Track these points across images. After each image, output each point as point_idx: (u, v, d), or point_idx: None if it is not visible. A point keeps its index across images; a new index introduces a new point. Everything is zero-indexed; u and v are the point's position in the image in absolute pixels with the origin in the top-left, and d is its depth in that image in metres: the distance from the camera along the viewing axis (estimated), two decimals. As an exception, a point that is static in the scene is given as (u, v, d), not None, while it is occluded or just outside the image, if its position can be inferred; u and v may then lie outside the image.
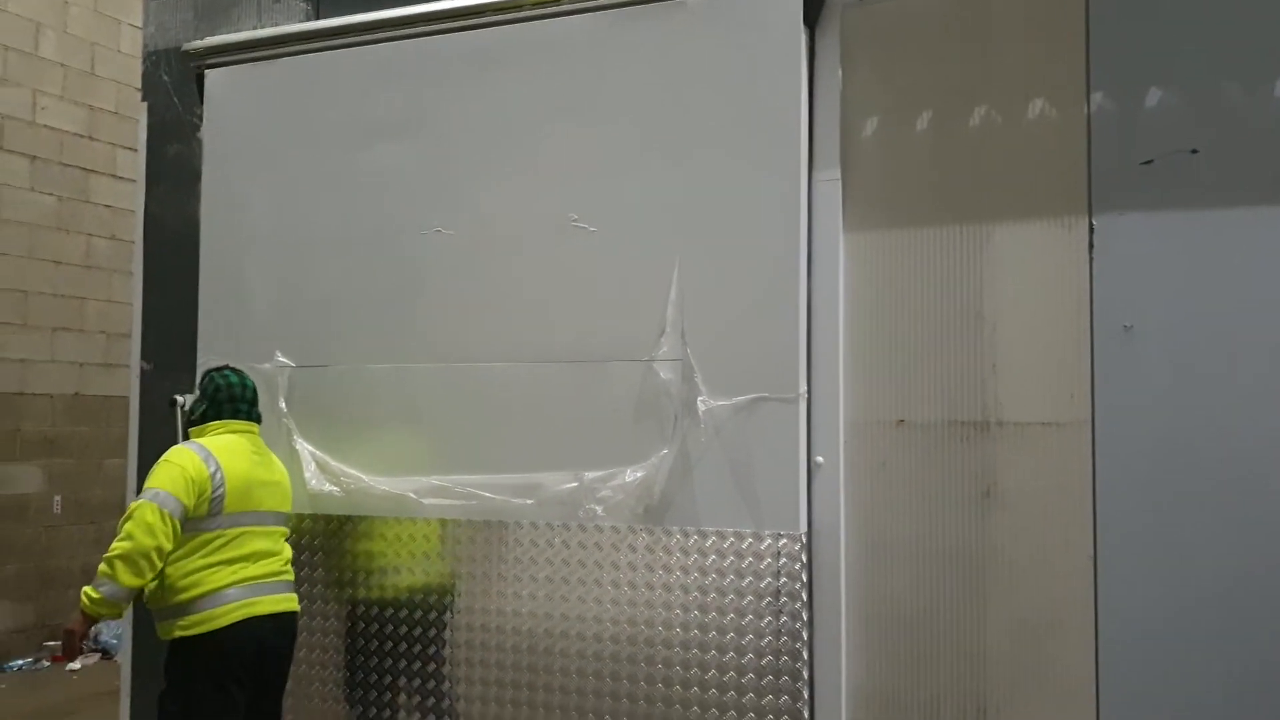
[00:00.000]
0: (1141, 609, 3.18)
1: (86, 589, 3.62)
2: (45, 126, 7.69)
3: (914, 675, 3.42)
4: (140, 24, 8.46)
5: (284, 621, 3.79)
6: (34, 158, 7.62)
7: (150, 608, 3.74)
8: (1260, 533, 3.06)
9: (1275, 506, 3.06)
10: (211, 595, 3.62)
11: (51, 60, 7.71)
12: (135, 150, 8.35)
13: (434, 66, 4.02)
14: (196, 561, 3.63)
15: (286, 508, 3.90)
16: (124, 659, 4.55)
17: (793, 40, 3.54)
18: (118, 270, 8.19)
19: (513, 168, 3.90)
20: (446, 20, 3.99)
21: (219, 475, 3.65)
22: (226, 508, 3.67)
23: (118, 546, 3.58)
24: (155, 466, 3.69)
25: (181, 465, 3.63)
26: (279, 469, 3.91)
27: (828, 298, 3.52)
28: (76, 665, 7.48)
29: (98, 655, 8.17)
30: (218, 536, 3.66)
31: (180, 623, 3.63)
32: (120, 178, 8.15)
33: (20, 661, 7.69)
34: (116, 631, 8.31)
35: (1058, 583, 3.27)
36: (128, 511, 3.66)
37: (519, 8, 3.89)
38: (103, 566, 3.59)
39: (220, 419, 3.83)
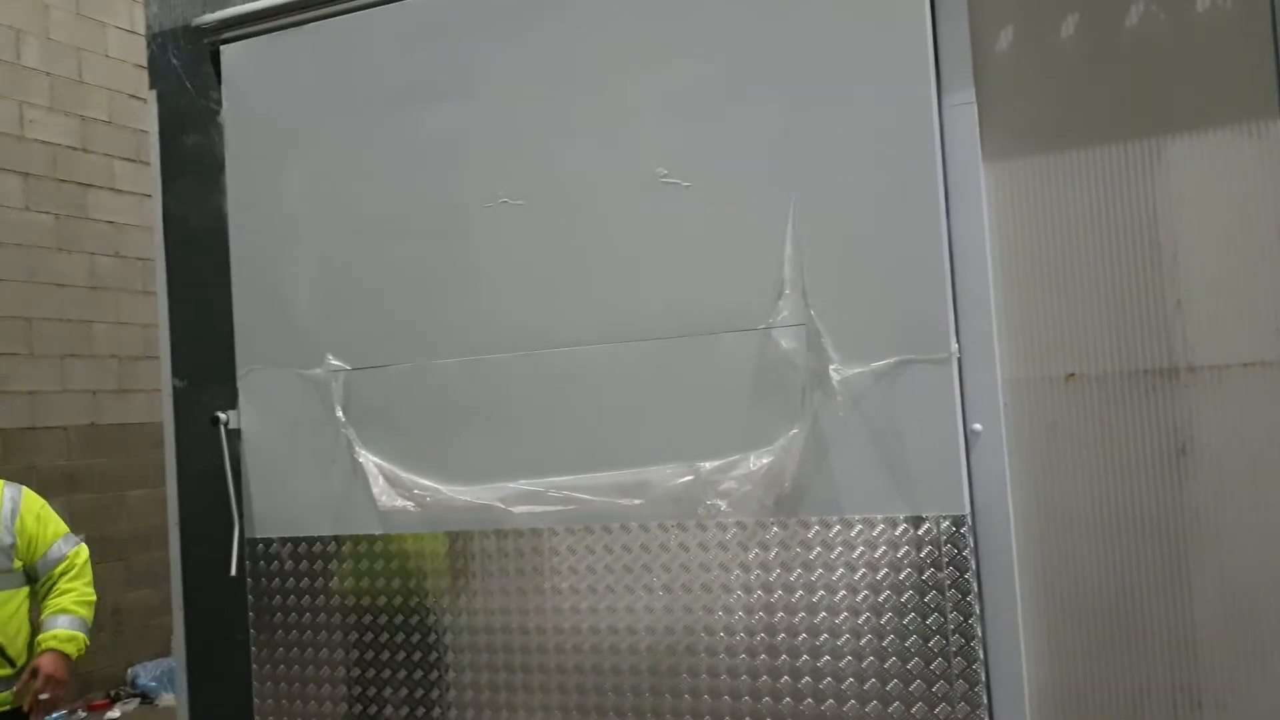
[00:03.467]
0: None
1: (78, 636, 3.89)
2: (36, 140, 7.18)
3: (1110, 666, 2.95)
4: (126, 26, 8.00)
5: None
6: (26, 174, 7.12)
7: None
8: None
9: None
10: None
11: (36, 69, 7.21)
12: (133, 161, 7.90)
13: (484, 14, 3.53)
14: None
15: None
16: (181, 705, 4.09)
17: (910, -56, 3.05)
18: (125, 289, 7.72)
19: (586, 123, 3.41)
20: (497, -41, 3.51)
21: None
22: None
23: (92, 595, 4.01)
24: (45, 510, 3.99)
25: None
26: None
27: (972, 239, 3.04)
28: (116, 713, 7.04)
29: (136, 700, 7.72)
30: None
31: None
32: (120, 191, 7.66)
33: (56, 715, 7.22)
34: (156, 674, 7.86)
35: (1277, 548, 2.81)
36: (85, 559, 4.03)
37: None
38: (87, 613, 3.97)
39: None
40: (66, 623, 3.87)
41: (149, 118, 4.23)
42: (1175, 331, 2.90)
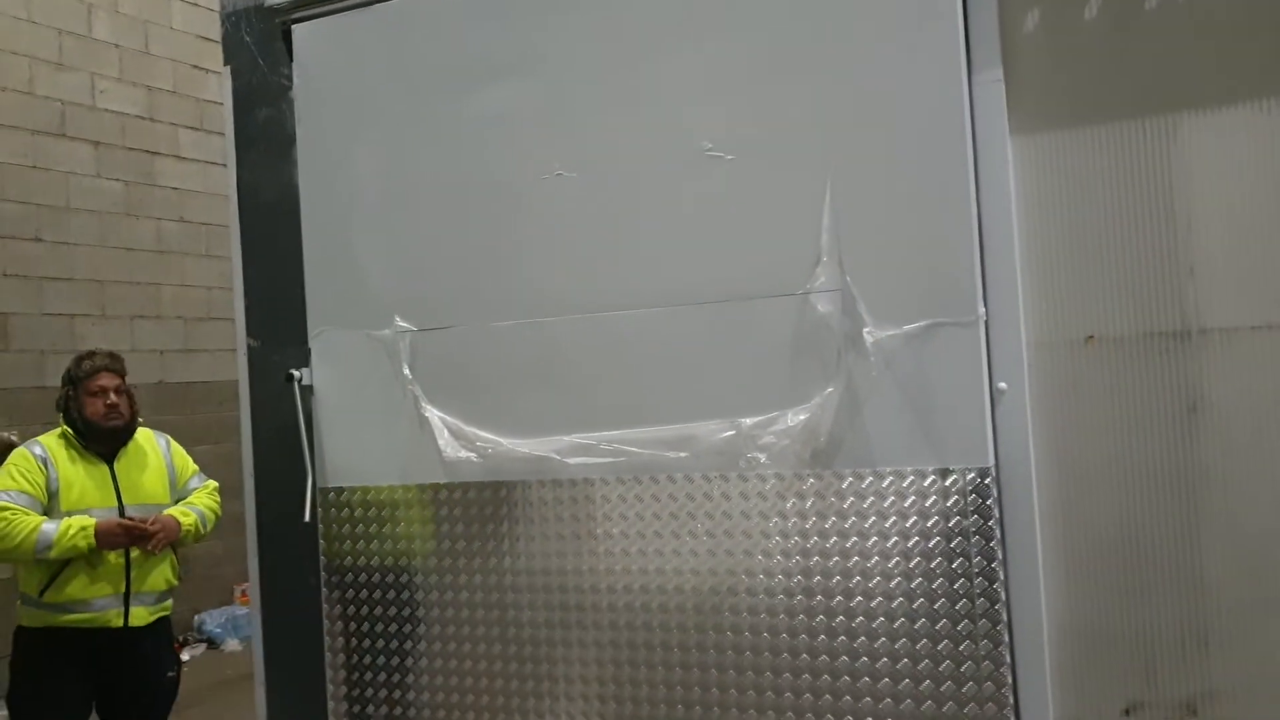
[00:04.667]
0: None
1: (191, 514, 4.87)
2: (106, 110, 7.51)
3: (1123, 608, 3.17)
4: (189, -1, 8.28)
5: None
6: (98, 143, 7.45)
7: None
8: None
9: None
10: None
11: (106, 42, 7.51)
12: (196, 129, 8.21)
13: (540, -2, 3.76)
14: None
15: None
16: (256, 646, 4.41)
17: (943, -71, 3.23)
18: (189, 254, 8.06)
19: (635, 98, 3.63)
20: (554, -55, 3.72)
21: None
22: None
23: (217, 509, 5.07)
24: (183, 451, 5.11)
25: None
26: None
27: (999, 210, 3.23)
28: (185, 656, 7.42)
29: (204, 645, 8.14)
30: None
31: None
32: (184, 158, 7.98)
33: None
34: (221, 621, 8.28)
35: (1281, 500, 3.01)
36: (215, 487, 5.11)
37: (629, -75, 3.61)
38: (209, 514, 4.99)
39: None
40: (188, 507, 4.90)
41: (223, 92, 4.48)
42: (1189, 296, 3.08)
